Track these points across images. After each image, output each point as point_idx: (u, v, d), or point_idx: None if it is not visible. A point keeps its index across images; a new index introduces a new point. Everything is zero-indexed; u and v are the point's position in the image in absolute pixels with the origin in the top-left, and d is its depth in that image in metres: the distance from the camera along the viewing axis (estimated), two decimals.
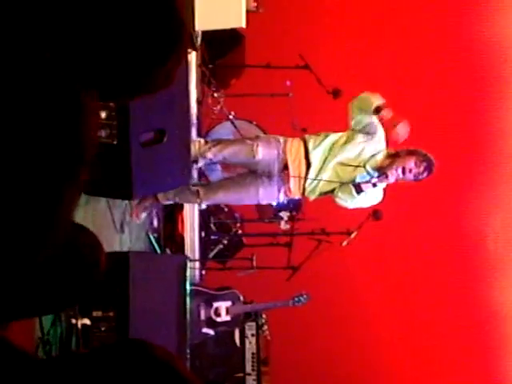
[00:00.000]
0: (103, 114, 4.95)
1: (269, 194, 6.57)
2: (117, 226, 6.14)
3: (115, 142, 4.98)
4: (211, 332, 6.94)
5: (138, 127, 4.99)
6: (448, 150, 8.55)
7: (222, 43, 7.74)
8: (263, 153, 6.52)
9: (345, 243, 7.11)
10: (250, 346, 7.14)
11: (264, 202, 6.77)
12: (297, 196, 6.63)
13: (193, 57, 7.14)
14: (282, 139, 6.64)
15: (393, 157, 6.38)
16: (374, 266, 8.38)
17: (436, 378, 8.67)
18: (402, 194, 8.23)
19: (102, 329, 4.86)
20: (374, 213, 7.03)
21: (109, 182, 5.09)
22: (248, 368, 7.09)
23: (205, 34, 7.09)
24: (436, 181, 8.43)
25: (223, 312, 7.02)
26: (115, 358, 1.61)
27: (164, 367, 1.60)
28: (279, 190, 6.52)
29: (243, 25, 6.59)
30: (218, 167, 7.54)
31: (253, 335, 7.15)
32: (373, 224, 6.97)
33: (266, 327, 7.23)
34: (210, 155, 6.56)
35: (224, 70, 7.97)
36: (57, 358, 1.67)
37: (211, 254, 7.50)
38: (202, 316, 7.00)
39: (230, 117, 7.34)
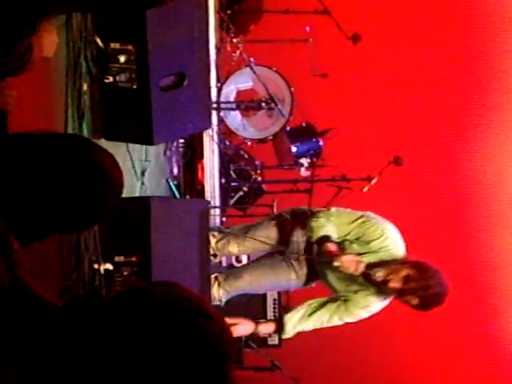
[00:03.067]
0: (122, 59, 4.91)
1: (300, 281, 5.85)
2: (137, 172, 6.13)
3: (135, 87, 4.95)
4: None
5: (158, 71, 4.94)
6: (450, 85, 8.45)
7: None
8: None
9: (365, 189, 7.09)
10: (271, 293, 7.14)
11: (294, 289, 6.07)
12: None
13: (211, 2, 7.06)
14: (308, 212, 5.77)
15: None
16: (395, 214, 8.34)
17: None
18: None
19: (125, 273, 4.86)
20: (396, 159, 6.99)
21: (129, 126, 5.08)
22: (269, 314, 7.09)
23: None
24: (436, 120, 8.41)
25: (244, 259, 7.02)
26: (146, 299, 1.60)
27: (194, 307, 1.59)
28: None
29: None
30: (237, 111, 7.49)
31: None
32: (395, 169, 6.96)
33: None
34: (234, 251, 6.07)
35: (242, 16, 7.88)
36: (90, 301, 1.65)
37: (231, 201, 7.49)
38: (224, 263, 7.01)
39: (250, 63, 7.27)
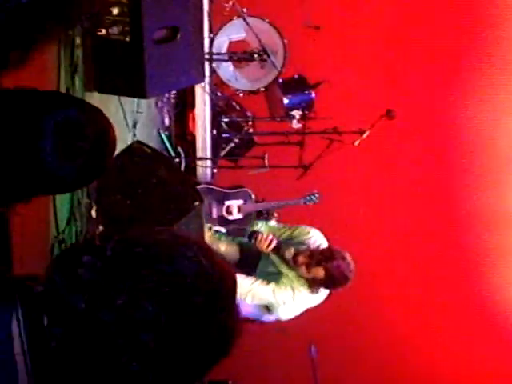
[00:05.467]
0: (115, 11, 4.85)
1: None
2: (129, 124, 6.11)
3: (128, 39, 4.89)
4: (222, 230, 6.97)
5: (151, 24, 4.89)
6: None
7: None
8: None
9: (357, 142, 7.10)
10: None
11: None
12: None
13: None
14: None
15: None
16: (386, 168, 8.36)
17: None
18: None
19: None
20: (388, 112, 6.99)
21: (122, 79, 5.04)
22: None
23: None
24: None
25: (235, 210, 7.04)
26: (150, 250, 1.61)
27: (198, 246, 1.60)
28: None
29: None
30: (229, 63, 7.42)
31: None
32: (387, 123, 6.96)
33: None
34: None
35: None
36: None
37: (223, 153, 7.48)
38: (214, 214, 7.03)
39: (243, 14, 7.20)
